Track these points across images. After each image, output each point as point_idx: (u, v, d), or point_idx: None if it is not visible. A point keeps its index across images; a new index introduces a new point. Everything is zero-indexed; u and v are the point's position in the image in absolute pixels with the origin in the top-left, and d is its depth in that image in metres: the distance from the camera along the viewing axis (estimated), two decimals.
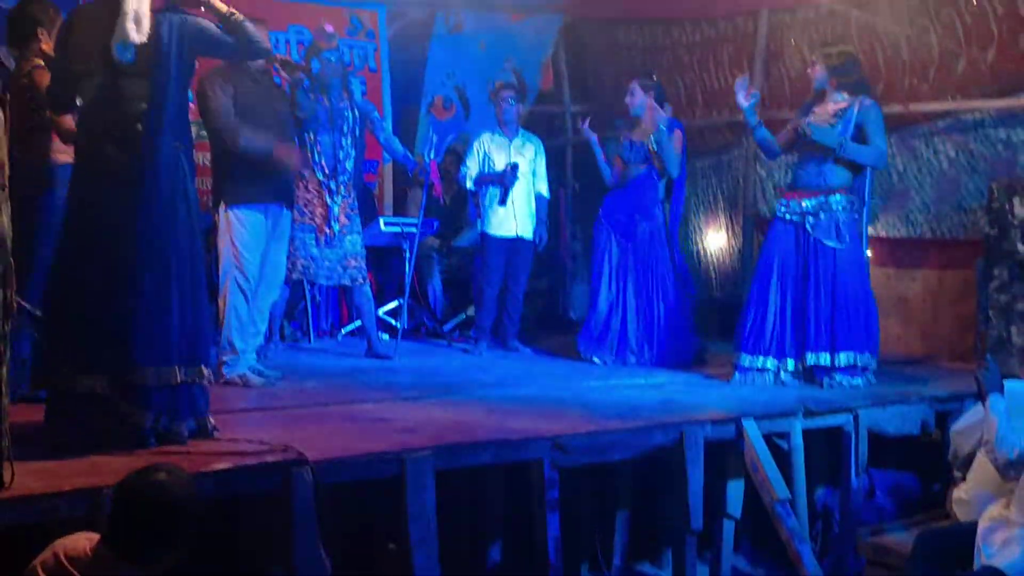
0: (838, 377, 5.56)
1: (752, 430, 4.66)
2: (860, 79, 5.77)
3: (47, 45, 4.62)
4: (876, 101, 5.76)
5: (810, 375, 5.66)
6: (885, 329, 6.35)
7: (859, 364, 5.59)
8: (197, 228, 3.92)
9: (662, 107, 6.63)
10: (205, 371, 3.86)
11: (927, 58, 6.59)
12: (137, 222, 3.70)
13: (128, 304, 3.66)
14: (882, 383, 5.64)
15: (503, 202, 6.89)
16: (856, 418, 5.06)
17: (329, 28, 6.33)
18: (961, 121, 6.52)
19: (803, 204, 5.71)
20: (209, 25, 3.94)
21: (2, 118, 3.02)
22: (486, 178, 6.98)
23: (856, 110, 5.65)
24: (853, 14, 6.91)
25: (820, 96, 5.80)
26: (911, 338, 6.78)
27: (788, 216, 5.76)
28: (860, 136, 5.65)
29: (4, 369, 3.08)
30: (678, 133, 6.57)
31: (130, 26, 3.64)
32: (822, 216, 5.65)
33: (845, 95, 5.70)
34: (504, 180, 6.86)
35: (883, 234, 6.93)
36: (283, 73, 6.12)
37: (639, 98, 6.60)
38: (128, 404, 3.65)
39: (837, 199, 5.63)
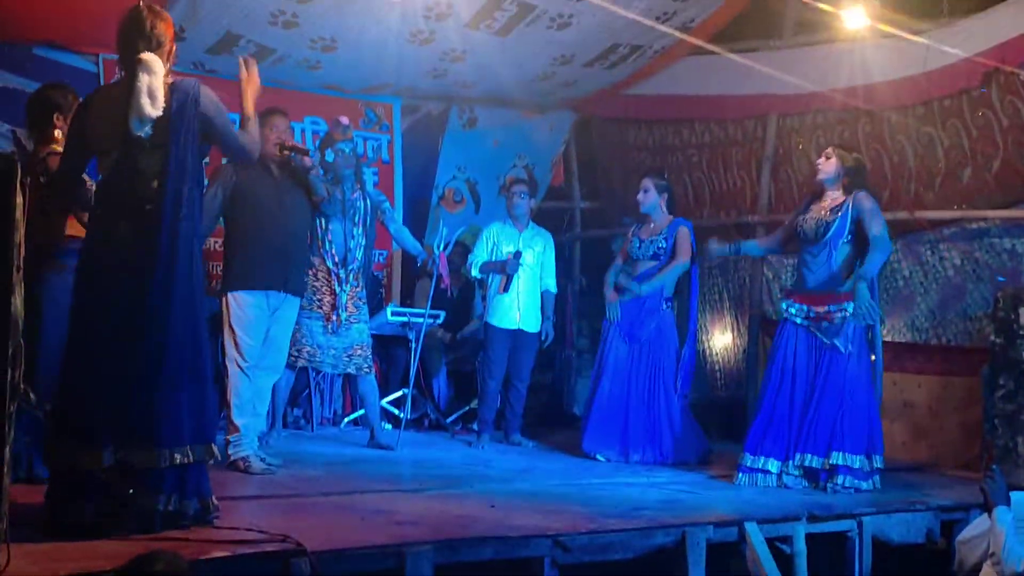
0: (843, 479, 5.52)
1: (755, 534, 4.61)
2: (864, 186, 5.83)
3: (66, 128, 4.72)
4: (871, 194, 5.79)
5: (814, 477, 5.62)
6: (890, 435, 6.34)
7: (864, 467, 5.56)
8: (203, 308, 3.92)
9: (670, 206, 6.73)
10: (214, 449, 3.85)
11: (933, 167, 6.68)
12: (147, 301, 3.70)
13: (139, 384, 3.66)
14: (887, 490, 5.59)
15: (506, 290, 6.92)
16: (860, 525, 5.00)
17: (344, 120, 6.45)
18: (967, 229, 6.58)
19: (813, 309, 5.73)
20: (221, 111, 3.98)
21: (20, 201, 3.07)
22: (490, 265, 7.03)
23: (851, 204, 5.69)
24: (861, 122, 7.03)
25: (819, 194, 5.86)
26: (916, 445, 6.74)
27: (798, 320, 5.77)
28: (859, 229, 5.67)
29: (7, 450, 3.07)
30: (685, 230, 6.64)
31: (144, 101, 3.70)
32: (836, 319, 5.67)
33: (841, 192, 5.76)
34: (507, 268, 6.91)
35: (888, 339, 6.93)
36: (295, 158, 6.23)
37: (652, 196, 6.68)
38: (138, 486, 3.63)
39: (847, 304, 5.65)
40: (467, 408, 7.88)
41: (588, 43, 7.42)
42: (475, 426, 7.24)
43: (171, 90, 3.82)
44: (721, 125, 8.05)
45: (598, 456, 6.49)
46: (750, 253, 6.08)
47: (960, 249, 6.61)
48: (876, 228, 5.64)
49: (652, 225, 6.70)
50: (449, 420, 7.84)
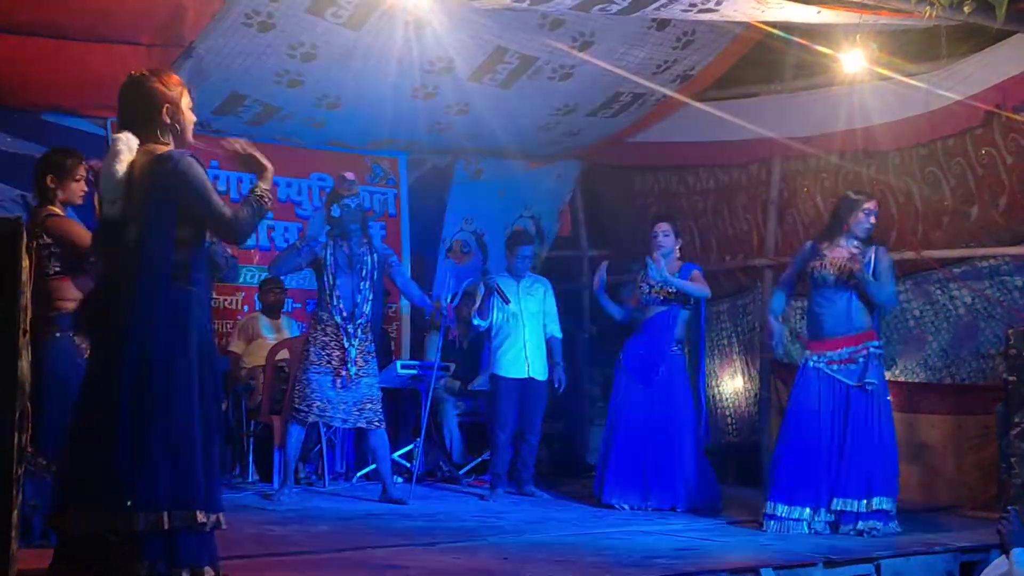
0: (877, 523, 5.50)
1: None
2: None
3: (62, 190, 4.77)
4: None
5: (845, 520, 5.58)
6: (906, 476, 6.27)
7: (893, 509, 5.56)
8: (206, 368, 3.85)
9: (681, 250, 6.79)
10: (200, 516, 3.61)
11: (940, 207, 6.69)
12: (120, 366, 3.58)
13: (116, 447, 3.58)
14: (904, 532, 5.54)
15: (507, 302, 6.88)
16: (879, 568, 4.92)
17: (349, 176, 6.50)
18: (977, 268, 6.56)
19: (835, 354, 5.72)
20: (200, 184, 3.68)
21: (27, 264, 3.09)
22: (485, 300, 6.96)
23: (873, 256, 5.72)
24: (865, 163, 7.06)
25: (827, 241, 5.85)
26: (932, 486, 6.68)
27: (821, 366, 5.76)
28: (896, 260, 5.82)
29: (15, 514, 3.07)
30: (697, 272, 6.68)
31: (105, 178, 3.65)
32: (859, 360, 5.66)
33: (857, 242, 5.77)
34: (491, 289, 6.86)
35: (901, 379, 6.90)
36: None
37: (671, 241, 6.69)
38: (125, 549, 3.57)
39: (871, 343, 5.67)
40: (479, 460, 7.84)
41: (590, 93, 7.49)
42: (487, 478, 7.19)
43: (155, 161, 3.67)
44: (725, 170, 8.08)
45: (617, 504, 6.44)
46: (781, 310, 6.14)
47: (970, 287, 6.59)
48: (889, 285, 5.76)
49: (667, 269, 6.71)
50: (461, 472, 7.80)
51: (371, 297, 6.41)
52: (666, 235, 6.68)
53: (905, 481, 6.39)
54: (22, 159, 6.82)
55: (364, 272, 6.39)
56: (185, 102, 3.82)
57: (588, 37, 6.61)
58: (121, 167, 3.64)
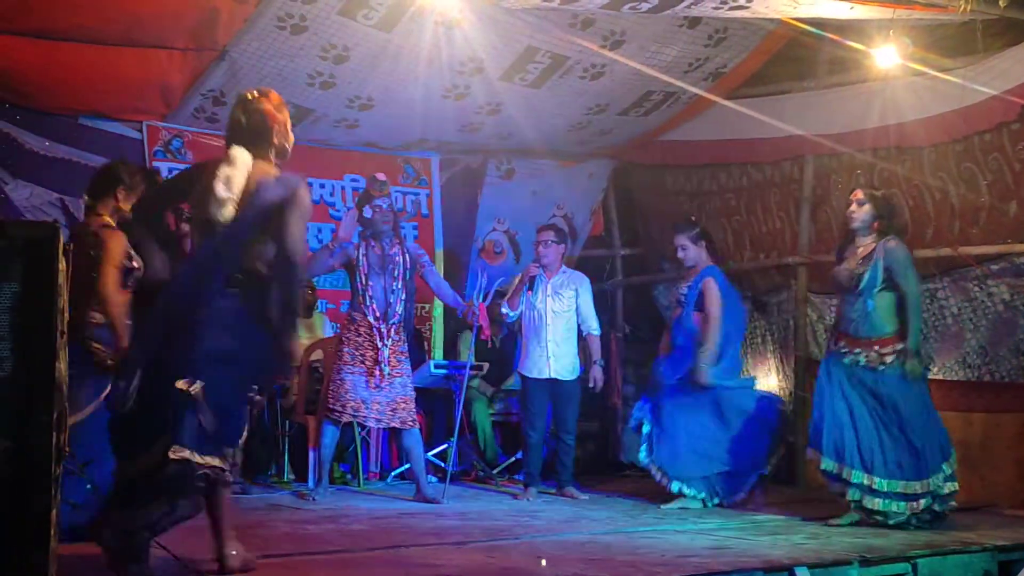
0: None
1: None
2: (904, 224, 5.79)
3: (125, 205, 4.89)
4: (902, 241, 5.75)
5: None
6: None
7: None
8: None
9: (711, 251, 6.70)
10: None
11: (976, 203, 6.62)
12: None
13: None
14: (941, 531, 5.49)
15: (532, 289, 6.90)
16: (915, 567, 4.87)
17: (380, 176, 6.54)
18: (1015, 264, 6.48)
19: (864, 354, 5.68)
20: (301, 212, 3.95)
21: (64, 268, 3.14)
22: (517, 290, 6.97)
23: (882, 254, 5.64)
24: (900, 159, 7.00)
25: (851, 239, 5.82)
26: (970, 484, 6.58)
27: (846, 361, 5.73)
28: (890, 279, 5.61)
29: (54, 513, 3.11)
30: (710, 281, 6.53)
31: (220, 187, 3.86)
32: (888, 360, 5.63)
33: (872, 237, 5.71)
34: (526, 278, 6.92)
35: (939, 377, 6.83)
36: None
37: (691, 253, 6.62)
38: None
39: (898, 345, 5.60)
40: (513, 459, 7.86)
41: (622, 92, 7.48)
42: (521, 477, 7.20)
43: (276, 181, 3.93)
44: (758, 168, 8.05)
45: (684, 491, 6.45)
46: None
47: (1009, 284, 6.52)
48: (908, 284, 5.58)
49: (689, 273, 6.68)
50: (495, 472, 7.82)
51: (404, 297, 6.44)
52: (684, 248, 6.60)
53: None
54: (59, 163, 6.94)
55: (396, 272, 6.42)
56: (288, 123, 4.09)
57: (619, 36, 6.61)
58: (241, 177, 3.88)
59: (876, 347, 5.62)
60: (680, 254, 6.64)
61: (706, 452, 6.42)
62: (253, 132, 3.99)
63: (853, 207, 5.78)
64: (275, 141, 4.03)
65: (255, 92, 4.10)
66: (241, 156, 3.92)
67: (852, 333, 5.72)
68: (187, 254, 4.19)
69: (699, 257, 6.64)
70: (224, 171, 3.88)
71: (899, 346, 5.61)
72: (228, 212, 3.87)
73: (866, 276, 5.62)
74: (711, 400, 6.46)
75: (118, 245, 4.76)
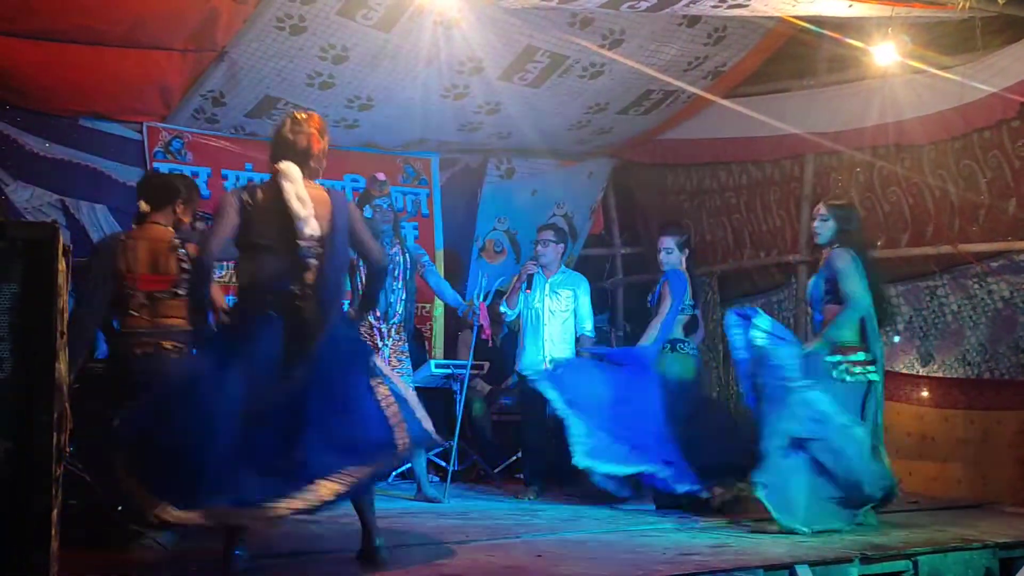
0: None
1: None
2: (857, 234, 5.72)
3: (186, 218, 5.05)
4: (855, 249, 5.60)
5: None
6: (944, 471, 6.23)
7: None
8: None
9: (689, 259, 6.65)
10: None
11: (976, 200, 6.63)
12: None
13: None
14: (943, 528, 5.49)
15: (530, 287, 6.89)
16: (916, 565, 4.88)
17: (380, 176, 6.54)
18: (1015, 262, 6.49)
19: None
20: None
21: (63, 268, 3.14)
22: (516, 289, 6.96)
23: (826, 263, 5.63)
24: (899, 157, 7.00)
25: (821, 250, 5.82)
26: (970, 481, 6.62)
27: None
28: (835, 287, 5.56)
29: (55, 513, 3.12)
30: (667, 284, 6.50)
31: (296, 205, 4.11)
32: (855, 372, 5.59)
33: (832, 247, 5.66)
34: (525, 275, 6.92)
35: (939, 375, 6.83)
36: None
37: (674, 256, 6.57)
38: None
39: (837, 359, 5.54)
40: (514, 458, 7.85)
41: (621, 90, 7.48)
42: (522, 476, 7.20)
43: (332, 194, 4.31)
44: (758, 166, 8.06)
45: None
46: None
47: (1008, 281, 6.52)
48: (848, 286, 5.49)
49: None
50: (496, 470, 7.82)
51: (404, 297, 6.44)
52: (668, 251, 6.56)
53: (944, 476, 6.35)
54: (60, 164, 6.95)
55: (397, 272, 6.42)
56: (327, 150, 4.38)
57: (618, 35, 6.61)
58: (304, 193, 4.17)
59: (838, 355, 5.56)
60: (663, 256, 6.57)
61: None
62: (301, 151, 4.23)
63: (816, 223, 5.75)
64: (314, 165, 4.29)
65: (304, 113, 4.34)
66: (294, 172, 4.16)
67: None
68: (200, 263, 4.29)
69: (676, 264, 6.57)
70: (289, 187, 4.11)
71: (859, 356, 5.55)
72: (313, 228, 4.13)
73: (810, 287, 5.70)
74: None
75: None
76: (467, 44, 6.42)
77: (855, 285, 5.51)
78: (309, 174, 4.26)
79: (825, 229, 5.69)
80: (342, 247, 4.25)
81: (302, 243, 4.14)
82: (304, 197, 4.13)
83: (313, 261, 4.17)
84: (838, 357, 5.50)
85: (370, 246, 4.42)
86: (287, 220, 4.11)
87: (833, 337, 5.51)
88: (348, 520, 5.64)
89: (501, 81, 7.02)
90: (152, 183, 5.30)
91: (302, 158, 4.23)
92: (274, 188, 4.17)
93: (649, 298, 6.72)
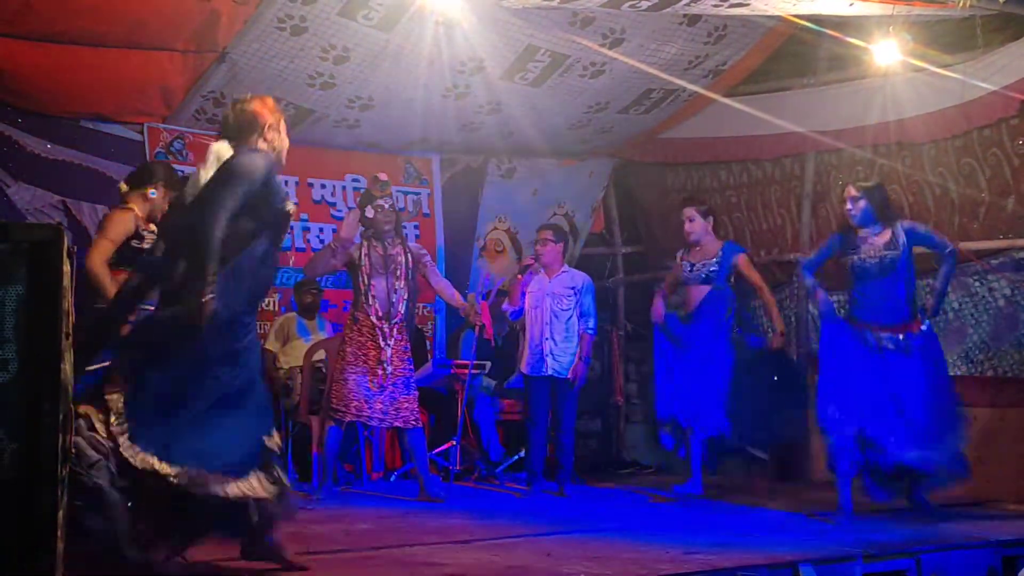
0: None
1: (810, 575, 4.54)
2: (892, 207, 6.00)
3: (165, 204, 5.01)
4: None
5: None
6: None
7: None
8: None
9: (716, 230, 6.90)
10: None
11: (976, 198, 6.63)
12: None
13: None
14: (945, 526, 5.49)
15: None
16: (919, 563, 4.88)
17: (382, 176, 6.55)
18: (1015, 259, 6.50)
19: (884, 338, 5.79)
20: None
21: (68, 269, 3.14)
22: (517, 288, 7.01)
23: (903, 238, 5.82)
24: (900, 155, 7.00)
25: (854, 229, 5.89)
26: (973, 479, 6.61)
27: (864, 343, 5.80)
28: (918, 254, 5.83)
29: (61, 514, 3.12)
30: (744, 257, 6.83)
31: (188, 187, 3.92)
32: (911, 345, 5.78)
33: (880, 225, 5.84)
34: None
35: None
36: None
37: (699, 224, 6.79)
38: None
39: (922, 330, 5.79)
40: (517, 457, 7.86)
41: (622, 89, 7.48)
42: (525, 475, 7.20)
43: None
44: (759, 165, 8.06)
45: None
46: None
47: (1010, 279, 6.53)
48: (943, 242, 5.87)
49: (701, 250, 6.75)
50: (499, 470, 7.82)
51: (406, 297, 6.45)
52: (691, 220, 6.80)
53: None
54: (61, 165, 6.94)
55: (399, 272, 6.43)
56: (283, 126, 4.08)
57: (619, 34, 6.61)
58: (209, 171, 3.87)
59: (900, 332, 5.77)
60: (687, 225, 6.78)
61: None
62: (239, 128, 3.98)
63: (849, 204, 5.86)
64: (266, 137, 4.00)
65: (248, 95, 4.13)
66: (218, 148, 3.91)
67: (870, 320, 5.84)
68: None
69: (705, 232, 6.77)
70: (196, 173, 3.91)
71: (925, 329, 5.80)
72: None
73: (900, 259, 5.81)
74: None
75: (118, 222, 4.95)
76: (468, 44, 6.43)
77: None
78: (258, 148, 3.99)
79: (858, 210, 5.87)
80: (209, 217, 3.77)
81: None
82: (202, 177, 3.87)
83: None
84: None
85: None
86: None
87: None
88: (350, 520, 5.68)
89: (502, 81, 7.03)
90: (138, 167, 5.40)
91: (241, 133, 3.97)
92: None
93: (711, 271, 6.78)
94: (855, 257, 5.92)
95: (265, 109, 4.03)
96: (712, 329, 6.68)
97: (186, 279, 3.79)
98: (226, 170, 3.86)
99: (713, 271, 6.73)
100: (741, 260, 6.79)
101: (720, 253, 6.78)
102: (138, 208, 5.11)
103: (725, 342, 6.68)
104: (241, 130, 3.98)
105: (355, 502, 6.49)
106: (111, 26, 5.97)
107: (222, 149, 3.90)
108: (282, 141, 4.08)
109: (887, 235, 5.84)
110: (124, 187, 5.20)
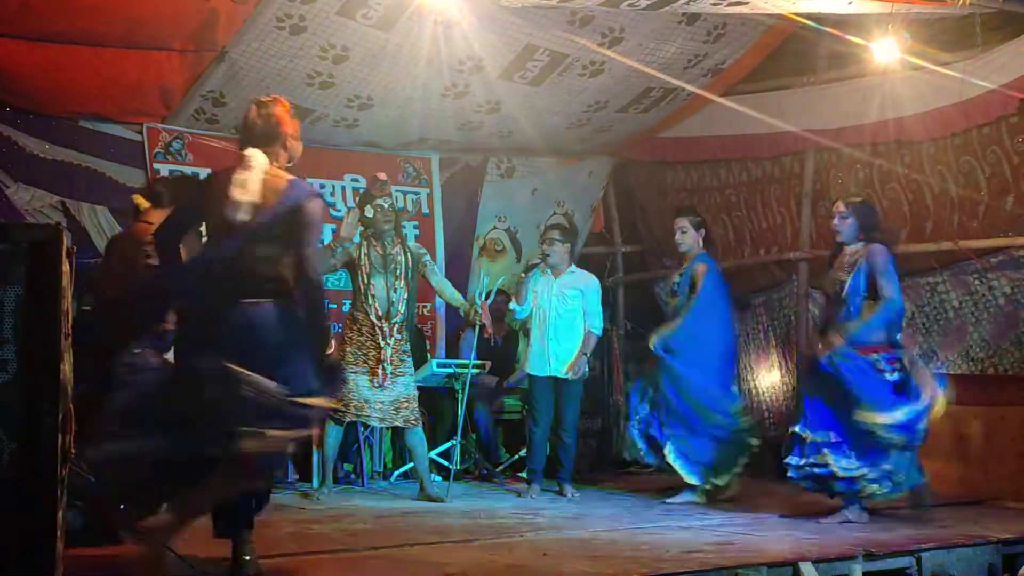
0: None
1: (810, 574, 4.54)
2: (879, 226, 5.82)
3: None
4: (886, 244, 5.70)
5: None
6: (946, 468, 6.22)
7: None
8: None
9: (706, 241, 6.76)
10: None
11: (975, 196, 6.63)
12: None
13: None
14: (946, 525, 5.49)
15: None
16: (919, 561, 4.89)
17: (381, 176, 6.55)
18: (1015, 257, 6.49)
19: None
20: (318, 224, 4.03)
21: (67, 270, 3.14)
22: (523, 287, 6.94)
23: (865, 257, 5.65)
24: (899, 153, 7.00)
25: (839, 246, 5.83)
26: (973, 478, 6.62)
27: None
28: (871, 282, 5.61)
29: (60, 515, 3.12)
30: (700, 266, 6.63)
31: (235, 190, 3.85)
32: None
33: (859, 244, 5.72)
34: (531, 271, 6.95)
35: (943, 371, 6.82)
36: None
37: (690, 236, 6.70)
38: None
39: (877, 358, 5.58)
40: (517, 457, 7.86)
41: (621, 89, 7.48)
42: (525, 475, 7.20)
43: (289, 186, 3.94)
44: (758, 163, 8.06)
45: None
46: None
47: (1009, 277, 6.53)
48: (886, 289, 5.57)
49: (683, 262, 6.74)
50: (499, 470, 7.82)
51: (406, 296, 6.44)
52: (683, 231, 6.71)
53: (946, 473, 6.35)
54: (60, 166, 6.94)
55: (398, 272, 6.43)
56: (298, 133, 4.13)
57: (618, 33, 6.61)
58: (258, 179, 3.88)
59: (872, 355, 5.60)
60: (678, 237, 6.72)
61: None
62: (266, 135, 4.02)
63: (836, 221, 5.79)
64: (288, 145, 4.07)
65: (268, 97, 4.15)
66: (257, 158, 3.94)
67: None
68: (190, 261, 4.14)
69: (694, 244, 6.69)
70: (241, 175, 3.87)
71: (884, 355, 5.60)
72: (245, 214, 3.84)
73: (848, 283, 5.66)
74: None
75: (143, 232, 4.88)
76: (467, 43, 6.43)
77: (893, 287, 5.60)
78: (279, 158, 4.03)
79: (845, 227, 5.75)
80: (265, 230, 3.84)
81: (233, 229, 3.85)
82: (249, 182, 3.85)
83: (238, 247, 3.86)
84: (872, 356, 5.55)
85: (304, 253, 3.89)
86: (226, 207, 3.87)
87: (863, 338, 5.56)
88: (350, 520, 5.68)
89: (501, 80, 7.02)
90: (156, 187, 5.31)
91: (270, 141, 4.00)
92: (229, 174, 3.95)
93: (674, 285, 6.75)
94: (826, 276, 5.90)
95: (287, 116, 4.10)
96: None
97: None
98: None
99: (676, 283, 6.70)
100: (698, 269, 6.62)
101: (688, 265, 6.67)
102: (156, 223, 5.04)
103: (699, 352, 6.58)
104: (269, 137, 4.02)
105: (355, 502, 6.49)
106: (110, 26, 5.97)
107: (261, 159, 3.93)
108: (299, 148, 4.15)
109: (856, 255, 5.70)
110: (144, 203, 5.07)
